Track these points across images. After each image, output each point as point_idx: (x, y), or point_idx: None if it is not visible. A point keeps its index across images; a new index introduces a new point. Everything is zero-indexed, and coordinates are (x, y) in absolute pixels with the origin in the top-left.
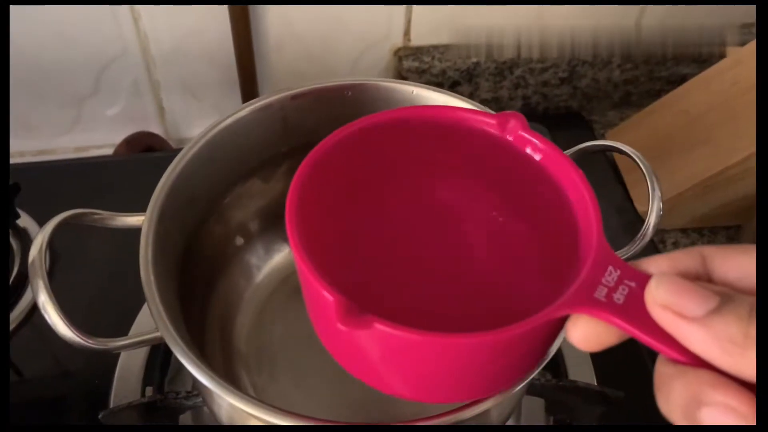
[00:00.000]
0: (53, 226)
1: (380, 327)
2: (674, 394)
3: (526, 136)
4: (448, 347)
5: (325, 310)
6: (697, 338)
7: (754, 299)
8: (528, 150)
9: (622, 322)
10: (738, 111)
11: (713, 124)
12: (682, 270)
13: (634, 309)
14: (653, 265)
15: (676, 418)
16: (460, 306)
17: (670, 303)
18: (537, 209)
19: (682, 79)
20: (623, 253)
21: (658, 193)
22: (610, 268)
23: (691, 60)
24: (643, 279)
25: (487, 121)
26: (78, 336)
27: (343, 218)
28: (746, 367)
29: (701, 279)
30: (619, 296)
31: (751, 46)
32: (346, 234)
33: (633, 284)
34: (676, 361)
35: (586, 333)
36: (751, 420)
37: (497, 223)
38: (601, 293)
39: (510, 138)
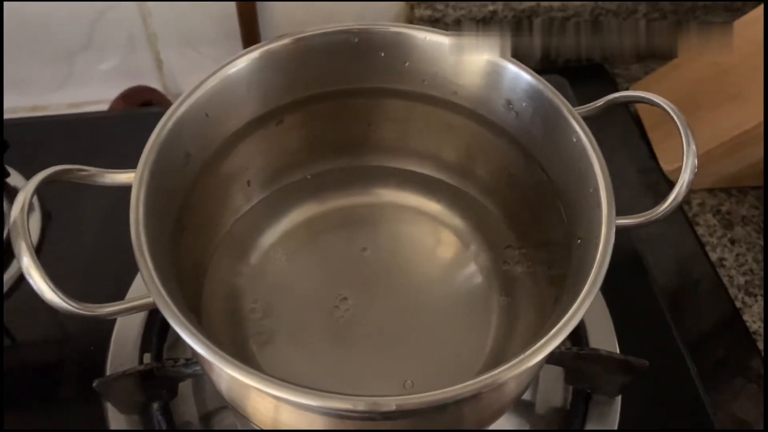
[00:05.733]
0: (36, 183)
1: None
2: None
3: None
4: None
5: None
6: None
7: None
8: None
9: None
10: None
11: (744, 76)
12: None
13: None
14: None
15: None
16: None
17: None
18: None
19: None
20: (648, 216)
21: (693, 148)
22: None
23: (722, 8)
24: None
25: None
26: (65, 301)
27: None
28: None
29: None
30: None
31: None
32: None
33: None
34: None
35: None
36: None
37: None
38: None
39: None
